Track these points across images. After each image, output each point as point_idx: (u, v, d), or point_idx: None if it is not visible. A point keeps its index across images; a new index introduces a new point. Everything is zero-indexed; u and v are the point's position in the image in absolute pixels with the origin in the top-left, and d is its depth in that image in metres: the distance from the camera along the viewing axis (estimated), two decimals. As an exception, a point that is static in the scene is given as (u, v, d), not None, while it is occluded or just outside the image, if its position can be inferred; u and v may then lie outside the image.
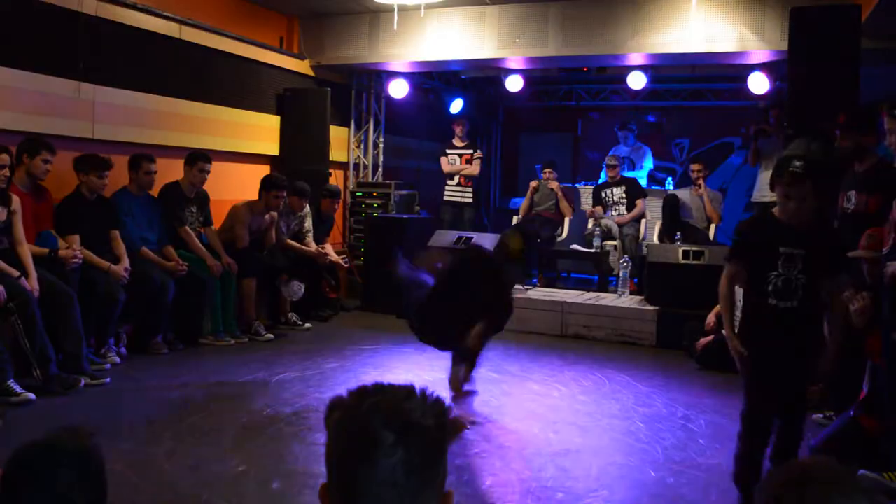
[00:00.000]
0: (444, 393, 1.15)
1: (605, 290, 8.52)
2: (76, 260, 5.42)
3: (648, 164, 10.85)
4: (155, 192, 6.57)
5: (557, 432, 4.61)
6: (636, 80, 9.04)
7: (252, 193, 7.31)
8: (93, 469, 1.71)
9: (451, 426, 1.20)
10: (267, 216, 7.22)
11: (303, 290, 7.22)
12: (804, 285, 3.30)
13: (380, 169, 10.27)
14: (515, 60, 8.65)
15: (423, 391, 1.21)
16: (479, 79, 10.86)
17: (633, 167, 10.60)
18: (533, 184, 9.58)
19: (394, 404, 1.17)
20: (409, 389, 1.21)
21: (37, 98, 5.94)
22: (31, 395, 4.66)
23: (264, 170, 8.50)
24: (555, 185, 9.41)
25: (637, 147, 10.79)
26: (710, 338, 6.35)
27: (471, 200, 9.81)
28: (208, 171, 6.75)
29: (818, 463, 1.31)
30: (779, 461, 3.40)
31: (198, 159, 6.73)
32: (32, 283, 4.94)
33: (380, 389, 1.20)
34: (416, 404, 1.18)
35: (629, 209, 9.06)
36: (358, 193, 9.61)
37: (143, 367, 5.73)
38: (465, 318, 4.69)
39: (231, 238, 6.99)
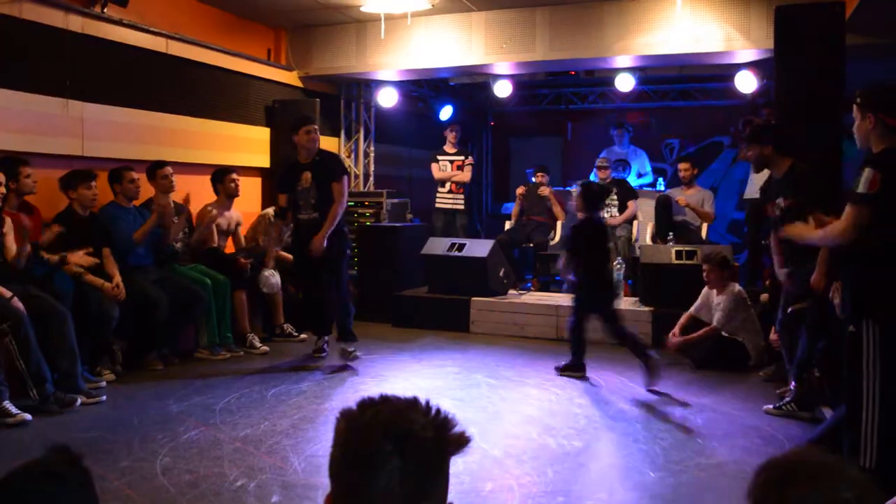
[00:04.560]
0: (446, 404, 1.15)
1: (600, 293, 8.52)
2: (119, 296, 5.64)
3: (647, 167, 10.88)
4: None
5: (556, 436, 4.61)
6: (624, 82, 9.09)
7: (244, 206, 7.33)
8: (82, 490, 1.68)
9: (454, 439, 1.20)
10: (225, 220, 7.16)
11: (277, 277, 7.13)
12: None
13: (371, 178, 10.28)
14: (503, 66, 8.67)
15: (427, 403, 1.22)
16: (468, 85, 10.90)
17: (626, 169, 10.60)
18: (520, 190, 9.59)
19: (395, 415, 1.18)
20: (412, 401, 1.22)
21: (25, 116, 5.93)
22: (28, 416, 4.64)
23: (256, 182, 8.52)
24: (546, 190, 9.42)
25: (633, 151, 10.83)
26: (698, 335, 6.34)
27: (462, 207, 9.80)
28: (171, 174, 6.59)
29: (802, 459, 1.29)
30: None
31: (156, 169, 6.58)
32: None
33: (384, 400, 1.22)
34: (418, 416, 1.19)
35: (621, 211, 9.08)
36: (350, 203, 9.59)
37: (138, 383, 5.71)
38: None
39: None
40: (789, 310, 5.02)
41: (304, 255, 6.32)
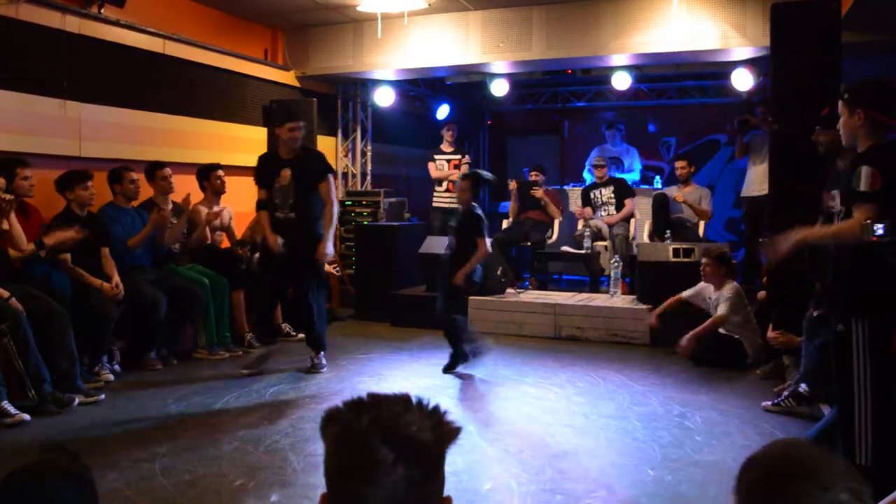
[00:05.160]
0: (444, 403, 1.15)
1: (597, 291, 8.55)
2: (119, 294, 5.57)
3: (637, 165, 10.91)
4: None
5: (554, 434, 4.61)
6: (621, 81, 9.09)
7: (241, 206, 7.33)
8: (84, 490, 1.68)
9: (447, 432, 1.19)
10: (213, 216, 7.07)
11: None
12: None
13: (368, 177, 10.28)
14: (500, 65, 8.68)
15: (420, 401, 1.20)
16: (465, 84, 10.90)
17: (620, 167, 10.63)
18: (512, 185, 9.60)
19: (391, 419, 1.15)
20: (405, 400, 1.19)
21: (22, 117, 5.93)
22: (26, 416, 4.65)
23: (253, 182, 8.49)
24: (539, 192, 9.41)
25: (626, 149, 10.83)
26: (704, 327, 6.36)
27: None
28: (170, 176, 6.64)
29: (790, 455, 1.28)
30: None
31: (155, 170, 6.61)
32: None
33: (376, 403, 1.19)
34: (413, 417, 1.17)
35: (618, 209, 9.10)
36: (347, 202, 9.61)
37: (137, 383, 5.72)
38: None
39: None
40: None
41: (278, 258, 6.00)
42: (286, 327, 7.44)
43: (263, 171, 6.18)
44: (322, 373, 6.10)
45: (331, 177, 6.10)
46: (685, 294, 6.59)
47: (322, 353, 6.23)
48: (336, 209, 6.12)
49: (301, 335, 7.39)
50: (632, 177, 10.73)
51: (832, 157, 4.82)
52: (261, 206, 6.21)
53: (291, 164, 5.97)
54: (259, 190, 6.23)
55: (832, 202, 4.64)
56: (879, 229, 3.30)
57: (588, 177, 10.90)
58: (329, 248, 6.00)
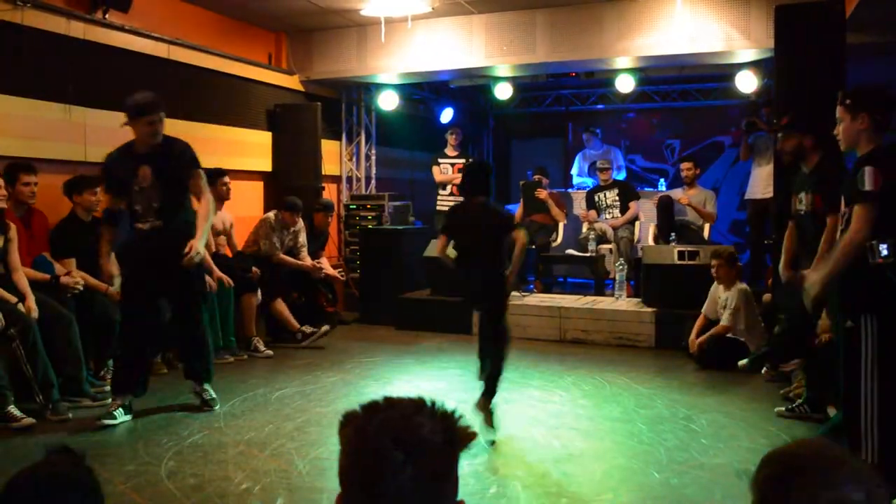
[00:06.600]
0: (451, 403, 1.16)
1: (602, 294, 8.54)
2: (78, 287, 5.40)
3: (622, 162, 10.90)
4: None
5: (560, 437, 4.61)
6: (624, 83, 9.09)
7: (245, 209, 7.32)
8: (89, 491, 1.68)
9: (460, 437, 1.20)
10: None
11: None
12: None
13: (372, 181, 10.29)
14: (504, 68, 8.68)
15: (433, 404, 1.21)
16: (469, 87, 10.91)
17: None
18: (522, 183, 9.64)
19: (403, 421, 1.17)
20: (418, 404, 1.21)
21: (28, 122, 5.95)
22: (32, 420, 4.65)
23: (258, 186, 8.53)
24: (543, 193, 9.39)
25: (606, 150, 10.80)
26: (707, 335, 6.35)
27: (464, 209, 9.78)
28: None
29: (808, 452, 1.28)
30: None
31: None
32: (30, 305, 4.92)
33: (389, 405, 1.21)
34: (425, 419, 1.18)
35: (623, 212, 9.08)
36: (352, 206, 9.62)
37: (142, 387, 5.72)
38: None
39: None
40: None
41: (143, 278, 4.96)
42: (307, 328, 7.37)
43: (117, 174, 4.96)
44: (215, 409, 5.12)
45: (200, 170, 5.05)
46: (704, 309, 6.55)
47: (209, 384, 5.24)
48: (212, 204, 5.07)
49: (305, 343, 7.39)
50: (620, 175, 10.73)
51: (797, 163, 4.86)
52: (106, 217, 5.10)
53: (151, 159, 4.88)
54: (110, 198, 5.11)
55: (799, 206, 4.67)
56: (884, 250, 3.31)
57: (578, 180, 10.89)
58: (201, 247, 4.84)
